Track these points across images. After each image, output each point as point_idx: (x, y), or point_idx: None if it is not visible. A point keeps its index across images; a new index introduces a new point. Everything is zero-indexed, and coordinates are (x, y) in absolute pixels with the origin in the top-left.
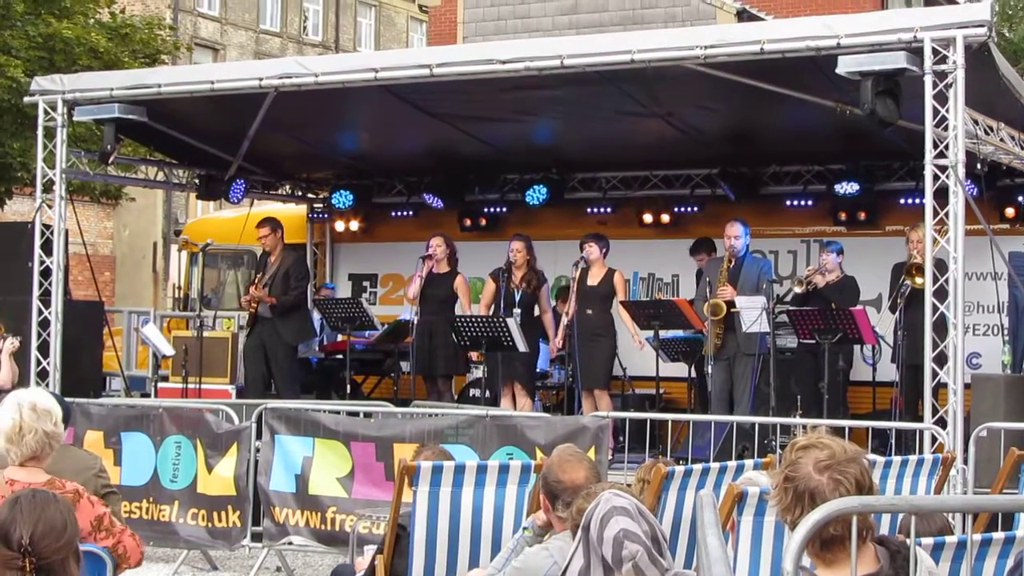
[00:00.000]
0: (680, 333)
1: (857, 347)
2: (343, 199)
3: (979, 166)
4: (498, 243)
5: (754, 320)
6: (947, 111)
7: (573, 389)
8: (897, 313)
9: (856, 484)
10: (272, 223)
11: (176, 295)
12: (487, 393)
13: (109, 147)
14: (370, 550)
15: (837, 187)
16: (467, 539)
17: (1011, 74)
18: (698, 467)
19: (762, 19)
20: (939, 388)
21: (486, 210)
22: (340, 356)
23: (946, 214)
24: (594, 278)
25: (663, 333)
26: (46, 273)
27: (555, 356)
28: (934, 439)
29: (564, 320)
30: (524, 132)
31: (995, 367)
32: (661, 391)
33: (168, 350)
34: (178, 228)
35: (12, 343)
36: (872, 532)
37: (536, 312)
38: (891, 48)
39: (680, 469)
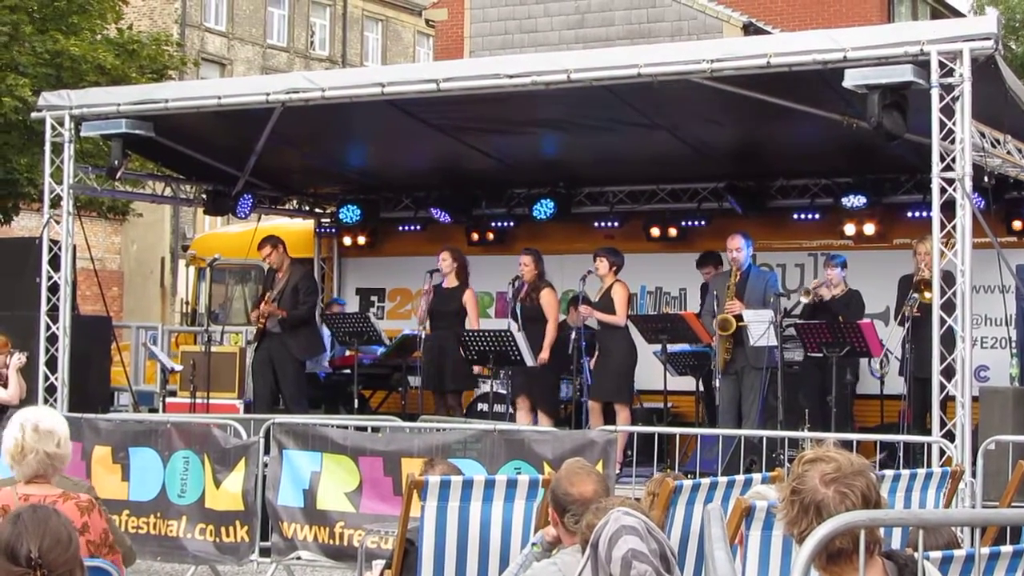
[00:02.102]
0: (688, 347)
1: (864, 360)
2: (350, 214)
3: (986, 179)
4: (505, 257)
5: (761, 334)
6: (954, 124)
7: (581, 403)
8: (905, 326)
9: (862, 497)
10: (271, 241)
11: (184, 310)
12: (495, 408)
13: (116, 162)
14: (378, 565)
15: (844, 200)
16: (475, 554)
17: (1018, 87)
18: (706, 481)
19: (769, 32)
20: (947, 401)
21: (493, 224)
22: (348, 371)
23: (953, 227)
24: (598, 293)
25: (671, 347)
26: (54, 288)
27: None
28: (942, 452)
29: (572, 336)
30: (531, 147)
31: (1003, 380)
32: (669, 405)
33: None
34: (186, 243)
35: (19, 359)
36: (880, 546)
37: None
38: (898, 61)
39: (688, 483)
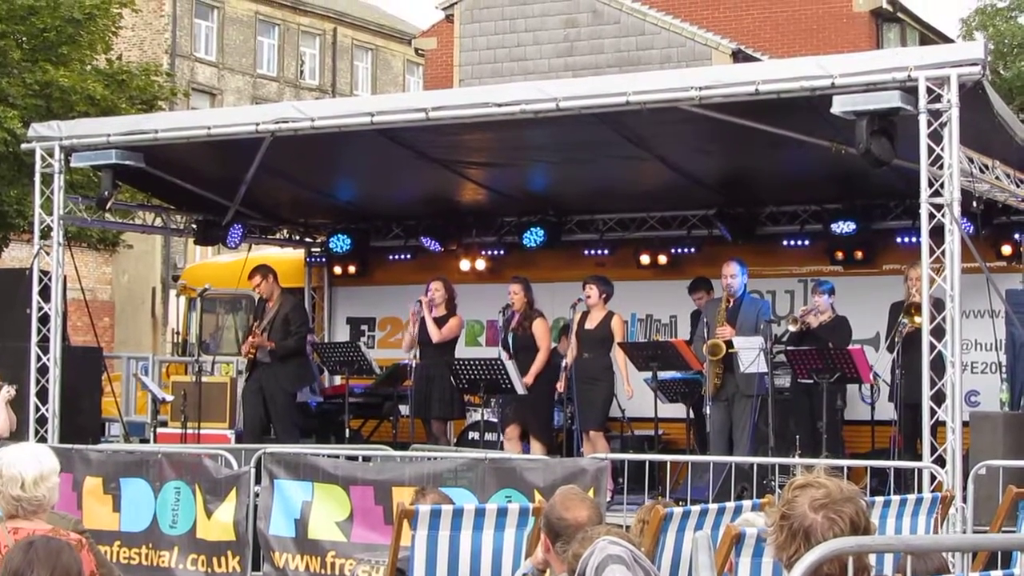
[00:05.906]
0: (678, 374)
1: (855, 386)
2: (341, 243)
3: (975, 204)
4: (496, 285)
5: (752, 360)
6: (942, 150)
7: (572, 431)
8: (895, 352)
9: (851, 523)
10: (263, 270)
11: (175, 340)
12: (486, 436)
13: (106, 193)
14: None
15: (834, 226)
16: None
17: (1006, 112)
18: (696, 508)
19: (757, 59)
20: (937, 426)
21: (484, 253)
22: (339, 400)
23: (942, 252)
24: (592, 322)
25: (661, 374)
26: (44, 319)
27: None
28: (933, 477)
29: (564, 363)
30: (520, 175)
31: (993, 405)
32: (660, 432)
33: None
34: (176, 273)
35: (8, 391)
36: (869, 573)
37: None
38: (886, 87)
39: (679, 510)
